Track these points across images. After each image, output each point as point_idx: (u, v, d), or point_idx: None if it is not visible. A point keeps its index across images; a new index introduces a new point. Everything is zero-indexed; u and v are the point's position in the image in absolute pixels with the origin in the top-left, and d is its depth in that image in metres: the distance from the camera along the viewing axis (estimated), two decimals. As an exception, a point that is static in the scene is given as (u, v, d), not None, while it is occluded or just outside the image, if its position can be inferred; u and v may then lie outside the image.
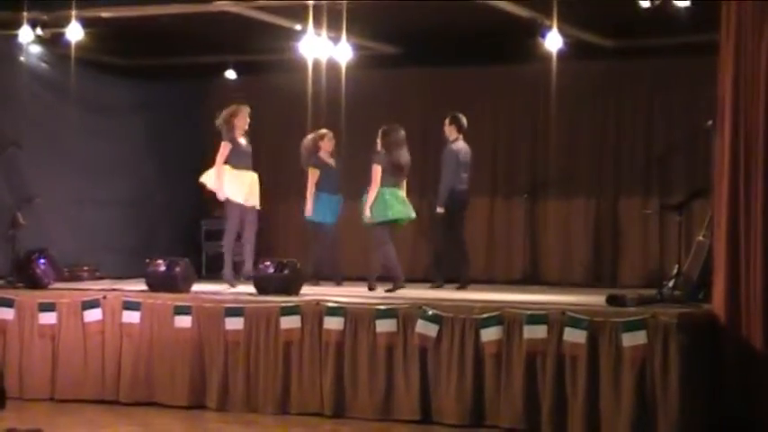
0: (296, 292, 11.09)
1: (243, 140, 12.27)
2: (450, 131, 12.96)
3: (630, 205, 14.00)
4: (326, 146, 13.17)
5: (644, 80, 14.00)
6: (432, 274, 13.28)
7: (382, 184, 12.05)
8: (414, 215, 12.33)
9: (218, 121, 12.35)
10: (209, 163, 13.27)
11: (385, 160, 12.08)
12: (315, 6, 12.08)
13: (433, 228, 13.51)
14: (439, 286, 12.75)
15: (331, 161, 13.20)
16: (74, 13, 12.31)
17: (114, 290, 11.53)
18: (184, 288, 11.38)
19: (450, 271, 13.06)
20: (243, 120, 12.24)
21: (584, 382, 9.47)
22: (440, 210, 12.90)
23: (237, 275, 12.27)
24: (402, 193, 12.24)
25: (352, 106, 13.48)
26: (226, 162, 12.16)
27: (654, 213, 13.26)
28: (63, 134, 13.85)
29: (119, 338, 11.12)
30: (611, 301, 9.97)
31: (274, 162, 14.76)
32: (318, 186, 13.05)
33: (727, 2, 9.68)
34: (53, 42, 13.04)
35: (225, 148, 12.16)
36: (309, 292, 11.31)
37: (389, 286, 12.02)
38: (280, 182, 14.80)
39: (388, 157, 12.08)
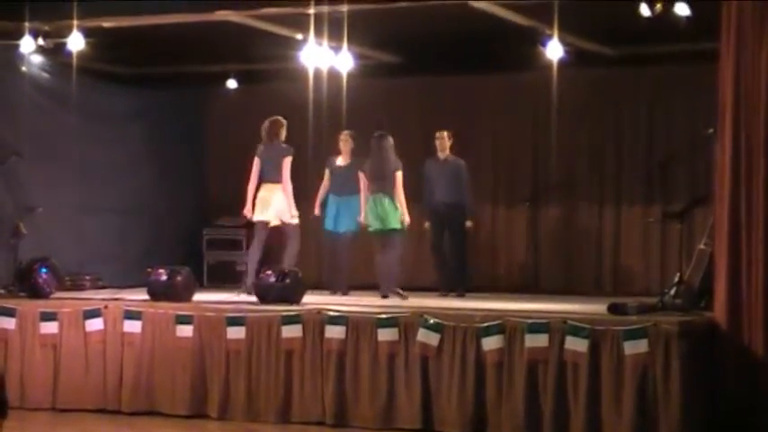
0: (297, 300, 11.09)
1: None
2: (450, 145, 13.04)
3: (632, 213, 13.99)
4: (341, 147, 13.24)
5: (644, 88, 14.00)
6: (453, 283, 13.11)
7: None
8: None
9: (270, 134, 12.56)
10: (211, 171, 13.31)
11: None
12: (316, 15, 12.07)
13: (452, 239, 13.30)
14: (462, 295, 12.73)
15: (339, 162, 13.22)
16: (75, 22, 12.29)
17: (116, 299, 11.52)
18: (186, 297, 11.39)
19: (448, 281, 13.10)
20: None
21: (585, 390, 9.47)
22: (470, 224, 13.17)
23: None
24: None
25: (354, 115, 13.48)
26: None
27: (655, 221, 13.25)
28: (65, 143, 13.84)
29: (120, 348, 11.12)
30: (613, 309, 9.97)
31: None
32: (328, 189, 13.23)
33: (728, 3, 9.68)
34: (55, 52, 13.03)
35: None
36: (311, 300, 11.31)
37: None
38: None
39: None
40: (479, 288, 13.40)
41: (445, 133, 13.14)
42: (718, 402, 9.43)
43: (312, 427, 10.36)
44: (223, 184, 15.26)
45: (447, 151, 13.11)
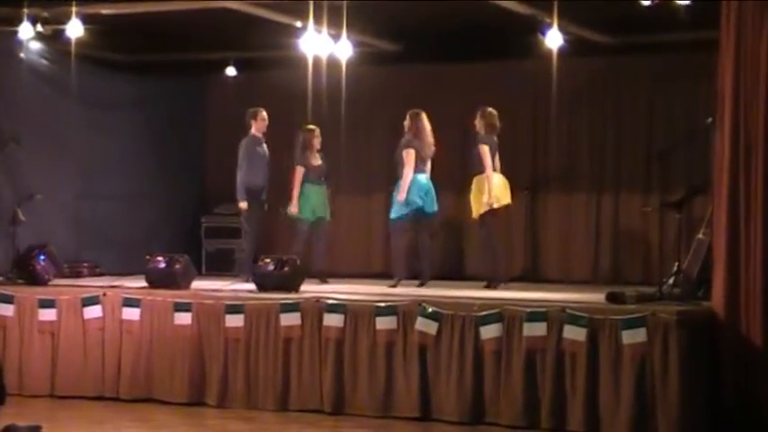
0: (296, 289, 11.10)
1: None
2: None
3: (631, 202, 13.98)
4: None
5: (644, 77, 13.97)
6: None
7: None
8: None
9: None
10: (210, 159, 13.20)
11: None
12: (315, 3, 12.07)
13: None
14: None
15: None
16: (74, 9, 12.31)
17: (114, 286, 11.54)
18: (184, 285, 11.39)
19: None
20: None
21: (583, 379, 9.49)
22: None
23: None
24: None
25: (353, 103, 13.48)
26: None
27: (654, 210, 13.24)
28: (63, 130, 13.84)
29: (118, 335, 11.14)
30: (611, 298, 9.97)
31: (274, 159, 14.73)
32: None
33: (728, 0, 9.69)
34: (53, 39, 13.03)
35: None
36: (309, 288, 11.31)
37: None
38: (280, 178, 14.78)
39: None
40: (478, 277, 13.37)
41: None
42: (716, 391, 9.44)
43: (310, 414, 10.38)
44: (222, 172, 15.21)
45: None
